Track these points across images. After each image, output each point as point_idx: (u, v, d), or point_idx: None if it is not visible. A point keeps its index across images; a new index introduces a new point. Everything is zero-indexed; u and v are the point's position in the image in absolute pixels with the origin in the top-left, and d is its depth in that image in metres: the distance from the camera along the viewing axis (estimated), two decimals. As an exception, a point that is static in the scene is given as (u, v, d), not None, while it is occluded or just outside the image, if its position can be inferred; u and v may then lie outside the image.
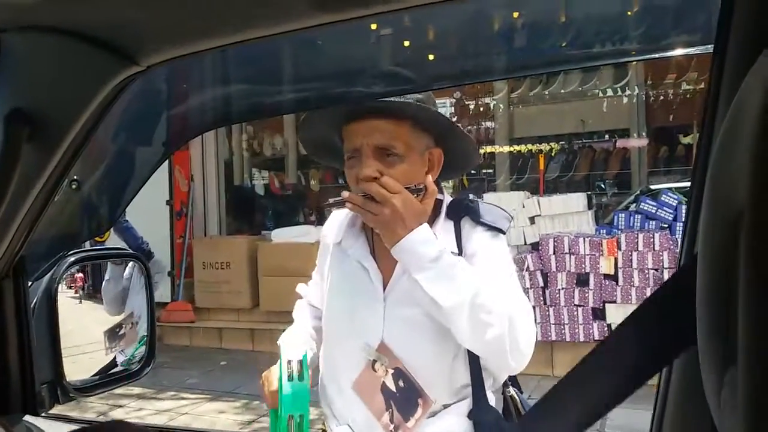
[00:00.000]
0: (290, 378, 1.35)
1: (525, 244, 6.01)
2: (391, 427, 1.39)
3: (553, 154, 8.45)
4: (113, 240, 6.28)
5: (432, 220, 1.42)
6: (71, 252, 1.26)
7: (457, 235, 1.43)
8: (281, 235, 7.34)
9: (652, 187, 6.77)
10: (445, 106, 8.75)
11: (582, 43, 0.95)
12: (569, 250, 5.55)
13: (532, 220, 6.09)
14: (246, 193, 9.70)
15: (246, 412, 4.87)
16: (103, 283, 1.54)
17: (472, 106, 8.78)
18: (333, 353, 1.51)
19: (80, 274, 1.47)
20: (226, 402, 5.21)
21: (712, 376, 0.39)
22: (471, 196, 1.51)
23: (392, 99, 1.32)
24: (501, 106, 8.70)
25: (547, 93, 8.45)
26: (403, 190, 1.31)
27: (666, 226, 5.71)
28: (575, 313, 5.54)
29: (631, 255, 5.42)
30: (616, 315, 5.47)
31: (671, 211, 5.74)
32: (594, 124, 8.45)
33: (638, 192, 6.78)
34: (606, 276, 5.50)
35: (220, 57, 0.97)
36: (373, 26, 0.89)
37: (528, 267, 5.59)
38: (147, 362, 1.38)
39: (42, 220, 0.98)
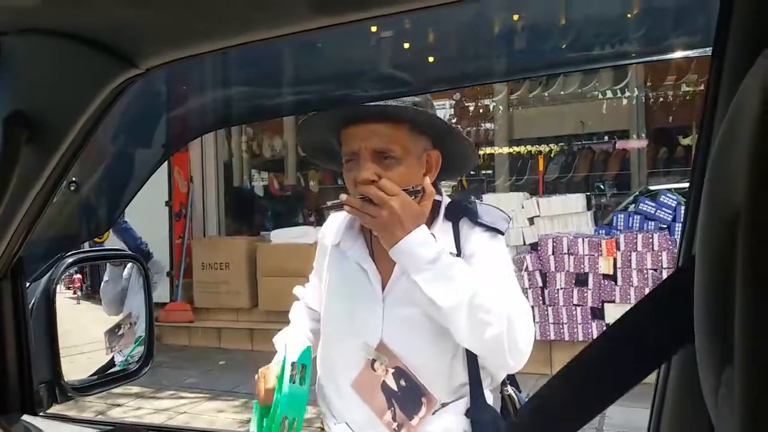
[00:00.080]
0: (292, 380, 1.35)
1: (524, 244, 6.02)
2: (394, 425, 1.39)
3: (552, 156, 8.46)
4: (112, 241, 6.28)
5: (430, 222, 1.42)
6: (70, 253, 1.26)
7: (455, 236, 1.43)
8: (280, 235, 7.34)
9: (652, 187, 6.77)
10: (444, 108, 8.76)
11: (582, 45, 0.96)
12: (568, 250, 5.56)
13: (531, 220, 6.10)
14: (245, 194, 9.70)
15: (244, 411, 4.87)
16: (102, 283, 1.54)
17: (471, 108, 8.79)
18: (331, 353, 1.52)
19: (78, 275, 1.47)
20: (225, 401, 5.21)
21: (709, 375, 0.39)
22: (471, 198, 1.51)
23: (390, 102, 1.33)
24: (500, 107, 8.71)
25: (546, 95, 8.46)
26: (400, 193, 1.31)
27: (665, 226, 5.72)
28: (574, 312, 5.55)
29: (629, 255, 5.43)
30: (615, 314, 5.45)
31: (670, 211, 5.74)
32: (593, 125, 8.46)
33: (637, 193, 6.78)
34: (605, 276, 5.51)
35: (220, 59, 0.97)
36: (373, 29, 0.89)
37: (527, 267, 5.60)
38: (145, 362, 1.38)
39: (40, 221, 0.98)
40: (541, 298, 5.61)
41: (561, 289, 5.58)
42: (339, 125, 1.41)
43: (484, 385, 1.42)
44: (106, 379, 1.36)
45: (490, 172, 8.81)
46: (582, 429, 0.55)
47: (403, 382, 1.40)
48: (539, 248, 5.67)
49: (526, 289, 5.53)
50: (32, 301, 1.15)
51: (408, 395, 1.39)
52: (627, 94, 8.12)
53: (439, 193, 1.47)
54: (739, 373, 0.33)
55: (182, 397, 5.41)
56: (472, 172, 8.75)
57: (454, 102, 8.84)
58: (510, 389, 1.50)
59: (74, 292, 1.51)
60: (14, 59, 0.82)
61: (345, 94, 1.23)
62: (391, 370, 1.40)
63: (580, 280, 5.57)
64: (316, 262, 1.65)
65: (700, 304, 0.40)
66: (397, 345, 1.40)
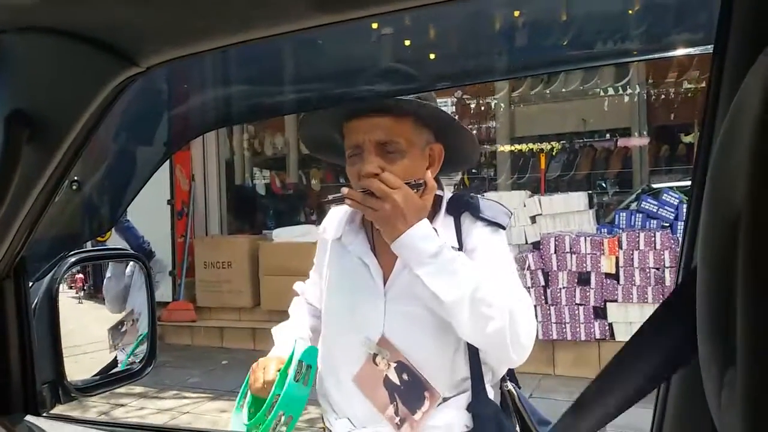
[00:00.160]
0: (296, 378, 1.35)
1: (526, 243, 6.01)
2: (397, 419, 1.39)
3: (554, 153, 8.44)
4: (114, 239, 6.29)
5: (432, 216, 1.43)
6: (72, 252, 1.26)
7: (457, 231, 1.44)
8: (282, 234, 7.35)
9: (654, 186, 6.76)
10: (446, 106, 8.74)
11: (584, 43, 0.95)
12: (570, 249, 5.55)
13: (533, 219, 6.09)
14: (247, 193, 9.70)
15: (247, 412, 4.86)
16: (105, 280, 1.55)
17: (473, 106, 8.78)
18: (332, 347, 1.52)
19: (80, 275, 1.47)
20: (228, 401, 5.21)
21: (712, 376, 0.39)
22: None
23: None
24: (502, 105, 8.69)
25: (548, 92, 8.45)
26: (403, 186, 1.32)
27: (667, 225, 5.71)
28: (576, 312, 5.54)
29: (632, 254, 5.42)
30: (618, 314, 5.47)
31: (672, 210, 5.73)
32: (595, 123, 8.44)
33: (639, 191, 6.77)
34: (607, 275, 5.50)
35: (221, 57, 0.97)
36: (374, 25, 0.89)
37: (529, 266, 5.59)
38: (148, 362, 1.38)
39: (42, 220, 0.98)
40: (543, 297, 5.61)
41: (563, 288, 5.57)
42: (341, 118, 1.41)
43: (485, 380, 1.43)
44: (109, 379, 1.36)
45: (491, 170, 8.80)
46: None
47: (405, 377, 1.40)
48: (541, 247, 5.66)
49: (529, 288, 5.53)
50: (35, 301, 1.15)
51: (410, 390, 1.39)
52: (629, 91, 8.11)
53: (440, 187, 1.47)
54: (742, 373, 0.33)
55: (185, 397, 5.41)
56: (473, 170, 8.75)
57: (455, 99, 8.82)
58: (510, 385, 1.50)
59: (77, 292, 1.51)
60: (15, 58, 0.82)
61: (346, 92, 1.23)
62: (393, 365, 1.40)
63: (583, 279, 5.56)
64: (317, 257, 1.65)
65: (702, 305, 0.40)
66: (399, 339, 1.40)
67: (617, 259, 5.47)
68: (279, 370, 1.39)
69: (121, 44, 0.78)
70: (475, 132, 8.37)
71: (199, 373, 6.17)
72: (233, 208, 9.16)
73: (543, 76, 7.98)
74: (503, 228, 1.45)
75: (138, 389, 5.36)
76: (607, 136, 8.45)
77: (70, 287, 1.42)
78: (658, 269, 5.38)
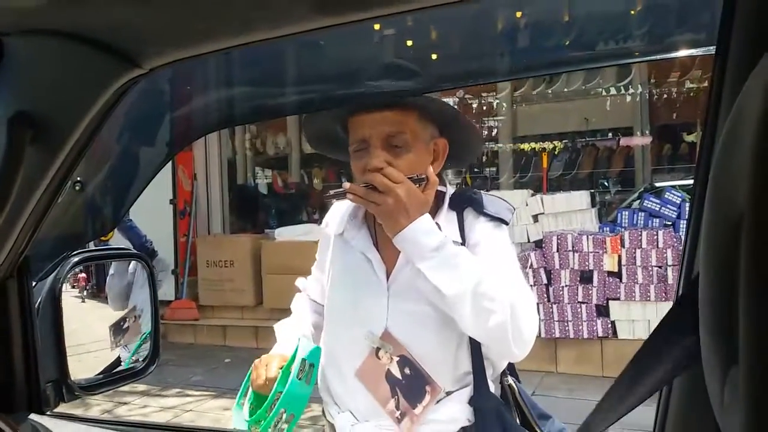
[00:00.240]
0: (299, 377, 1.35)
1: (528, 241, 6.00)
2: (397, 413, 1.39)
3: (556, 153, 8.43)
4: (117, 239, 6.30)
5: (435, 211, 1.43)
6: (75, 252, 1.27)
7: (460, 226, 1.44)
8: (284, 233, 7.35)
9: (656, 184, 6.75)
10: (448, 104, 8.71)
11: (588, 44, 0.96)
12: (573, 247, 5.55)
13: (535, 218, 6.09)
14: (249, 192, 9.71)
15: (250, 410, 4.87)
16: (107, 278, 1.55)
17: (475, 105, 8.77)
18: (335, 342, 1.52)
19: (83, 274, 1.48)
20: (230, 399, 5.21)
21: (714, 375, 0.39)
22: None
23: None
24: (504, 104, 8.69)
25: (550, 91, 8.44)
26: (405, 180, 1.32)
27: (669, 223, 5.70)
28: (579, 310, 5.54)
29: (634, 252, 5.42)
30: (620, 312, 5.47)
31: (675, 208, 5.72)
32: (597, 122, 8.44)
33: (642, 189, 6.76)
34: (609, 273, 5.50)
35: (223, 59, 0.97)
36: (376, 27, 0.89)
37: (531, 264, 5.59)
38: (151, 360, 1.39)
39: (45, 221, 0.99)
40: (545, 295, 5.61)
41: (566, 286, 5.57)
42: (346, 113, 1.41)
43: (486, 374, 1.43)
44: (112, 377, 1.37)
45: (494, 168, 8.80)
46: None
47: (407, 371, 1.40)
48: (544, 245, 5.66)
49: (531, 286, 5.50)
50: (38, 301, 1.15)
51: (412, 384, 1.40)
52: (631, 90, 8.10)
53: (443, 183, 1.47)
54: (744, 372, 0.33)
55: (188, 395, 5.42)
56: (475, 169, 8.75)
57: (457, 99, 8.82)
58: (510, 379, 1.50)
59: (80, 291, 1.52)
60: (18, 60, 0.82)
61: (348, 92, 1.23)
62: (396, 359, 1.40)
63: (585, 278, 5.56)
64: (319, 252, 1.65)
65: (704, 304, 0.40)
66: (402, 334, 1.40)
67: (620, 257, 5.46)
68: (281, 368, 1.39)
69: (123, 46, 0.78)
70: (477, 131, 8.37)
71: (202, 372, 6.18)
72: (235, 207, 9.16)
73: (545, 76, 7.97)
74: (506, 223, 1.45)
75: (141, 387, 5.37)
76: (610, 135, 8.45)
77: (73, 286, 1.43)
78: (660, 267, 5.37)
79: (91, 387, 1.28)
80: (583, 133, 8.47)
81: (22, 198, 0.90)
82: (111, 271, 1.54)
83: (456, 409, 1.40)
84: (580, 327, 5.53)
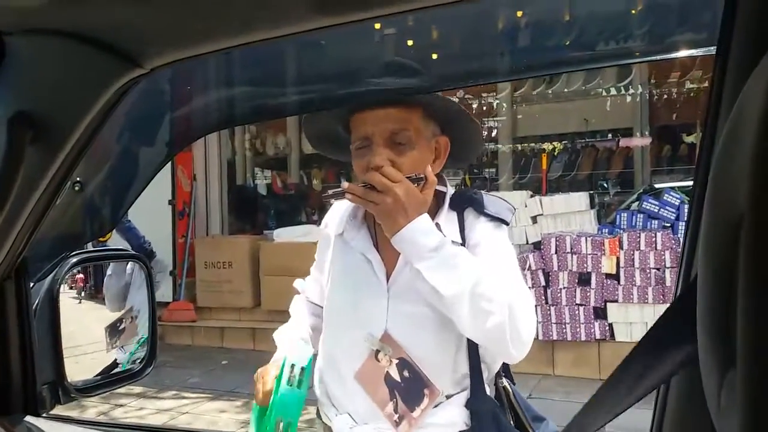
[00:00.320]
0: (290, 383, 1.34)
1: (527, 243, 6.01)
2: (395, 416, 1.39)
3: (555, 153, 8.44)
4: (115, 240, 6.29)
5: (435, 211, 1.43)
6: (73, 253, 1.26)
7: (460, 226, 1.44)
8: (283, 234, 7.35)
9: (656, 186, 6.76)
10: (447, 105, 8.70)
11: (588, 44, 0.95)
12: (571, 249, 5.55)
13: (534, 219, 6.09)
14: (248, 193, 9.70)
15: (247, 412, 4.87)
16: (105, 278, 1.55)
17: (475, 105, 8.77)
18: (334, 343, 1.51)
19: (81, 275, 1.47)
20: (227, 401, 5.22)
21: (712, 377, 0.39)
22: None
23: None
24: (504, 105, 8.70)
25: (550, 92, 8.45)
26: (404, 180, 1.31)
27: (668, 225, 5.70)
28: (577, 312, 5.54)
29: (633, 254, 5.42)
30: (618, 314, 5.47)
31: (674, 210, 5.72)
32: (597, 123, 8.44)
33: (641, 191, 6.76)
34: (608, 275, 5.50)
35: (224, 59, 0.97)
36: (377, 26, 0.89)
37: (530, 266, 5.59)
38: (148, 362, 1.38)
39: (44, 221, 0.98)
40: (543, 297, 5.61)
41: (564, 288, 5.57)
42: (348, 111, 1.41)
43: (483, 377, 1.43)
44: (109, 379, 1.36)
45: (493, 169, 8.80)
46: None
47: (406, 373, 1.39)
48: (542, 247, 5.66)
49: (529, 288, 5.51)
50: (36, 302, 1.15)
51: (411, 387, 1.39)
52: (631, 91, 8.10)
53: (443, 183, 1.47)
54: (742, 375, 0.33)
55: (185, 397, 5.41)
56: (475, 170, 8.76)
57: (457, 99, 8.82)
58: (505, 381, 1.50)
59: (78, 292, 1.51)
60: (19, 59, 0.82)
61: (348, 92, 1.23)
62: (395, 361, 1.40)
63: (583, 280, 5.56)
64: (318, 253, 1.64)
65: (703, 306, 0.40)
66: (401, 336, 1.40)
67: (618, 259, 5.47)
68: (276, 377, 1.39)
69: (124, 46, 0.78)
70: (476, 131, 8.37)
71: (199, 373, 6.17)
72: (234, 208, 9.16)
73: (545, 76, 7.98)
74: (506, 224, 1.45)
75: (138, 389, 5.36)
76: (609, 136, 8.45)
77: (71, 287, 1.43)
78: (658, 270, 5.37)
79: (88, 389, 1.28)
80: (582, 133, 8.48)
81: (21, 198, 0.90)
82: (108, 272, 1.54)
83: (454, 413, 1.40)
84: (578, 329, 5.53)
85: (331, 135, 1.51)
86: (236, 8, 0.70)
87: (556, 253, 5.58)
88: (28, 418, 1.10)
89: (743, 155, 0.33)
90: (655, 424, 0.63)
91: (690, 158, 7.70)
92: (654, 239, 5.38)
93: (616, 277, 5.48)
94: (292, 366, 1.36)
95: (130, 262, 1.52)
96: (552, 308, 5.58)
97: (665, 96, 8.00)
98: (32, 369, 1.10)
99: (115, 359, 1.44)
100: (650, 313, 5.36)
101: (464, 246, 1.39)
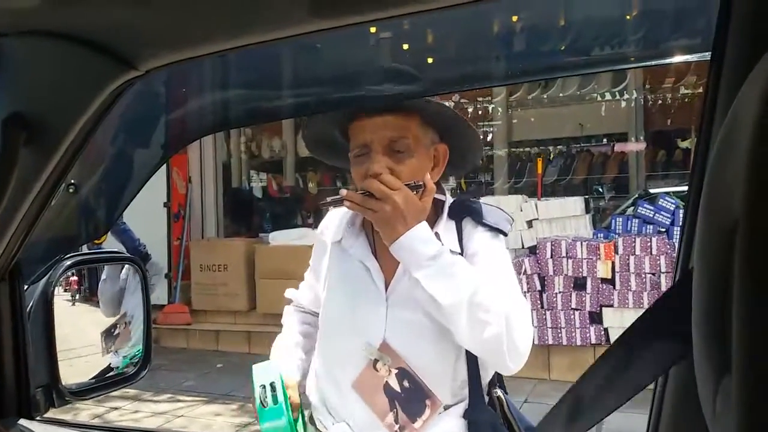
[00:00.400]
0: (264, 405, 1.33)
1: (522, 247, 6.01)
2: (396, 427, 1.38)
3: (551, 158, 8.46)
4: (110, 242, 6.28)
5: (434, 220, 1.43)
6: (68, 255, 1.26)
7: (458, 235, 1.43)
8: (279, 237, 7.33)
9: (651, 191, 6.77)
10: (443, 110, 8.71)
11: (583, 49, 0.96)
12: (566, 253, 5.55)
13: (529, 223, 6.09)
14: (244, 196, 9.69)
15: (242, 415, 4.86)
16: (100, 283, 1.54)
17: (470, 110, 8.78)
18: (332, 351, 1.50)
19: (75, 278, 1.47)
20: (223, 404, 5.21)
21: (707, 382, 0.39)
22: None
23: None
24: (499, 109, 8.71)
25: (545, 97, 8.46)
26: (403, 187, 1.31)
27: (663, 230, 5.71)
28: (572, 316, 5.54)
29: (628, 259, 5.43)
30: (613, 319, 5.48)
31: (668, 215, 5.74)
32: (592, 127, 8.46)
33: (637, 195, 6.78)
34: (603, 280, 5.50)
35: (219, 61, 0.97)
36: (372, 30, 0.89)
37: (525, 270, 5.59)
38: (143, 365, 1.38)
39: (39, 223, 0.98)
40: (539, 301, 5.61)
41: (559, 293, 5.57)
42: (347, 118, 1.40)
43: (482, 386, 1.42)
44: (103, 382, 1.36)
45: (488, 174, 8.81)
46: None
47: (406, 384, 1.38)
48: (537, 251, 5.66)
49: (525, 292, 5.53)
50: (30, 304, 1.14)
51: (411, 397, 1.38)
52: (625, 96, 8.12)
53: (442, 192, 1.46)
54: (737, 380, 0.33)
55: (180, 401, 5.40)
56: (470, 174, 8.76)
57: (453, 104, 8.83)
58: (498, 391, 1.49)
59: (72, 295, 1.51)
60: (13, 61, 0.82)
61: (344, 96, 1.23)
62: (395, 371, 1.38)
63: (579, 284, 5.56)
64: (314, 259, 1.63)
65: (698, 311, 0.40)
66: (400, 345, 1.39)
67: (613, 264, 5.47)
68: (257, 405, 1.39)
69: (120, 48, 0.78)
70: (472, 136, 8.37)
71: (194, 376, 6.15)
72: (230, 211, 9.14)
73: (540, 81, 8.00)
74: (505, 234, 1.44)
75: (132, 392, 5.34)
76: (604, 141, 8.46)
77: (66, 290, 1.42)
78: (654, 274, 5.38)
79: (82, 392, 1.27)
80: (577, 138, 8.50)
81: (15, 200, 0.90)
82: (103, 277, 1.53)
83: (452, 424, 1.39)
84: (574, 334, 5.54)
85: (331, 142, 1.51)
86: (232, 11, 0.70)
87: (551, 257, 5.58)
88: (22, 422, 1.09)
89: (738, 161, 0.33)
90: (650, 428, 0.63)
91: (685, 163, 7.73)
92: (649, 244, 5.39)
93: (611, 281, 5.49)
94: (262, 387, 1.35)
95: (124, 267, 1.51)
96: (547, 312, 5.58)
97: (660, 101, 8.02)
98: (26, 372, 1.09)
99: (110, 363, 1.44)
100: (645, 318, 5.35)
101: (462, 255, 1.38)
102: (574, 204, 6.14)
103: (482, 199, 6.43)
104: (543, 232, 6.00)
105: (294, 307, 1.70)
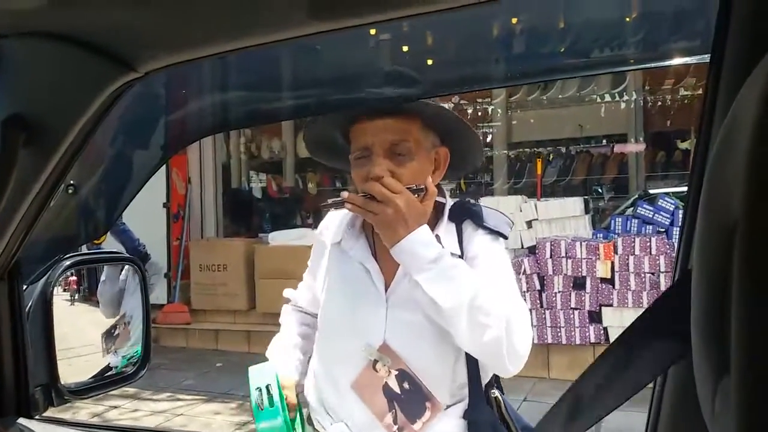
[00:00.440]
0: (260, 408, 1.33)
1: (522, 247, 6.01)
2: (395, 428, 1.38)
3: (550, 159, 8.46)
4: (110, 242, 6.28)
5: (435, 222, 1.42)
6: (67, 255, 1.26)
7: (459, 238, 1.43)
8: (278, 237, 7.33)
9: (650, 191, 6.78)
10: (443, 110, 8.72)
11: (585, 52, 0.96)
12: (566, 253, 5.56)
13: (529, 224, 6.10)
14: (243, 196, 9.69)
15: (241, 414, 4.86)
16: (99, 284, 1.54)
17: (470, 111, 8.79)
18: (330, 352, 1.50)
19: (74, 277, 1.47)
20: (222, 403, 5.21)
21: (706, 383, 0.39)
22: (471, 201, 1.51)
23: None
24: (499, 110, 8.72)
25: (545, 98, 8.47)
26: (405, 190, 1.31)
27: (663, 230, 5.72)
28: (571, 316, 5.55)
29: (627, 259, 5.43)
30: (612, 318, 5.48)
31: (668, 215, 5.74)
32: (592, 128, 8.47)
33: (636, 196, 6.79)
34: (602, 280, 5.51)
35: (219, 63, 0.97)
36: (372, 32, 0.89)
37: (525, 270, 5.59)
38: (142, 365, 1.38)
39: (38, 224, 0.98)
40: (538, 301, 5.61)
41: (559, 292, 5.58)
42: (348, 121, 1.40)
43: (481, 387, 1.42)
44: (102, 381, 1.36)
45: (488, 175, 8.82)
46: None
47: (406, 385, 1.38)
48: (537, 251, 5.67)
49: (524, 292, 5.53)
50: (29, 304, 1.15)
51: (411, 399, 1.38)
52: (625, 97, 8.14)
53: (442, 194, 1.46)
54: (736, 380, 0.33)
55: (179, 399, 5.40)
56: (470, 175, 8.77)
57: (452, 105, 8.84)
58: (496, 392, 1.49)
59: (71, 295, 1.51)
60: (13, 62, 0.82)
61: (343, 98, 1.23)
62: (395, 372, 1.38)
63: (578, 284, 5.57)
64: (312, 259, 1.63)
65: (697, 311, 0.40)
66: (400, 346, 1.39)
67: (613, 263, 5.48)
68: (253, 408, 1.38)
69: (119, 49, 0.78)
70: (471, 137, 8.38)
71: (194, 376, 6.15)
72: (229, 211, 9.15)
73: (540, 83, 8.01)
74: (505, 237, 1.44)
75: (132, 391, 5.34)
76: (604, 141, 8.48)
77: (65, 290, 1.42)
78: (653, 274, 5.39)
79: (81, 391, 1.27)
80: (577, 139, 8.51)
81: (14, 201, 0.90)
82: (102, 278, 1.53)
83: (451, 424, 1.39)
84: (573, 333, 5.54)
85: (331, 144, 1.51)
86: (231, 13, 0.70)
87: (551, 257, 5.59)
88: (21, 421, 1.09)
89: (737, 162, 0.33)
90: (649, 427, 0.63)
91: (684, 164, 7.74)
92: (649, 244, 5.40)
93: (611, 281, 5.49)
94: (257, 389, 1.35)
95: (124, 268, 1.51)
96: (547, 312, 5.59)
97: (659, 102, 8.03)
98: (25, 371, 1.09)
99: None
100: (644, 318, 5.35)
101: (462, 258, 1.38)
102: (574, 204, 6.14)
103: (482, 200, 6.45)
104: (542, 233, 6.01)
105: (292, 306, 1.70)
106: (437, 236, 1.36)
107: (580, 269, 5.53)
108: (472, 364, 1.40)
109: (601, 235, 5.93)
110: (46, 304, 1.17)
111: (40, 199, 0.93)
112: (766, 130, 0.32)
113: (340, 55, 1.04)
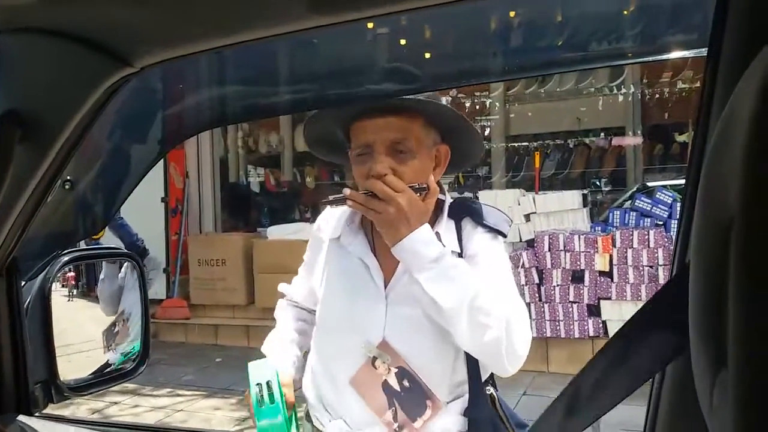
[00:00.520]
0: (260, 405, 1.33)
1: (520, 241, 6.02)
2: (395, 425, 1.37)
3: (548, 152, 8.46)
4: (108, 237, 6.28)
5: (434, 220, 1.42)
6: (65, 251, 1.26)
7: (458, 235, 1.43)
8: (276, 232, 7.33)
9: (648, 184, 6.78)
10: (440, 104, 8.71)
11: (583, 45, 0.96)
12: (564, 247, 5.56)
13: (527, 217, 6.10)
14: (241, 190, 9.69)
15: (241, 409, 4.87)
16: (99, 282, 1.54)
17: (468, 104, 8.78)
18: (329, 348, 1.50)
19: (72, 273, 1.46)
20: (222, 398, 5.22)
21: (704, 377, 0.39)
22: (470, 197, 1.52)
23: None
24: (497, 104, 8.71)
25: (542, 91, 8.46)
26: (407, 189, 1.31)
27: (661, 223, 5.72)
28: (570, 309, 5.56)
29: (626, 252, 5.44)
30: (611, 311, 5.49)
31: (666, 208, 5.75)
32: (590, 121, 8.46)
33: (634, 189, 6.79)
34: (601, 273, 5.51)
35: (216, 57, 0.97)
36: (370, 25, 0.89)
37: (523, 264, 5.60)
38: (141, 361, 1.38)
39: (35, 220, 0.98)
40: (537, 294, 5.62)
41: (557, 285, 5.59)
42: (349, 118, 1.40)
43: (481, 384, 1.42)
44: (102, 378, 1.36)
45: (486, 168, 8.81)
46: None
47: (406, 383, 1.38)
48: (535, 245, 5.67)
49: (523, 285, 5.54)
50: (27, 300, 1.14)
51: (411, 396, 1.38)
52: (623, 90, 8.13)
53: (442, 191, 1.46)
54: (733, 374, 0.33)
55: (179, 395, 5.41)
56: (468, 168, 8.76)
57: (450, 98, 8.83)
58: (490, 389, 1.49)
59: (69, 291, 1.50)
60: (8, 58, 0.82)
61: (341, 92, 1.23)
62: (394, 370, 1.38)
63: (576, 277, 5.58)
64: (309, 254, 1.62)
65: (694, 307, 0.41)
66: (400, 343, 1.39)
67: (611, 257, 5.48)
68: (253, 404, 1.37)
69: (115, 45, 0.78)
70: (470, 130, 8.38)
71: (193, 371, 6.16)
72: (227, 205, 9.14)
73: (538, 76, 7.99)
74: (504, 236, 1.44)
75: (132, 386, 5.35)
76: (602, 134, 8.47)
77: (63, 286, 1.42)
78: (651, 267, 5.40)
79: (81, 387, 1.27)
80: (575, 132, 8.50)
81: (11, 197, 0.90)
82: (101, 276, 1.53)
83: (450, 421, 1.39)
84: (572, 326, 5.55)
85: (331, 140, 1.50)
86: (228, 7, 0.70)
87: (549, 250, 5.59)
88: (21, 418, 1.09)
89: (734, 156, 0.33)
90: (648, 424, 0.63)
91: (682, 157, 7.73)
92: (647, 237, 5.41)
93: (609, 274, 5.50)
94: (257, 385, 1.35)
95: (122, 265, 1.51)
96: (545, 305, 5.60)
97: (657, 95, 8.03)
98: (24, 368, 1.09)
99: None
100: (643, 311, 5.36)
101: (462, 256, 1.38)
102: (572, 197, 6.15)
103: (480, 193, 6.44)
104: (541, 226, 6.02)
105: (287, 301, 1.69)
106: (437, 234, 1.35)
107: (578, 262, 5.53)
108: (471, 361, 1.40)
109: (600, 228, 5.94)
110: (44, 300, 1.17)
111: (37, 195, 0.93)
112: (763, 124, 0.32)
113: (337, 49, 1.04)
